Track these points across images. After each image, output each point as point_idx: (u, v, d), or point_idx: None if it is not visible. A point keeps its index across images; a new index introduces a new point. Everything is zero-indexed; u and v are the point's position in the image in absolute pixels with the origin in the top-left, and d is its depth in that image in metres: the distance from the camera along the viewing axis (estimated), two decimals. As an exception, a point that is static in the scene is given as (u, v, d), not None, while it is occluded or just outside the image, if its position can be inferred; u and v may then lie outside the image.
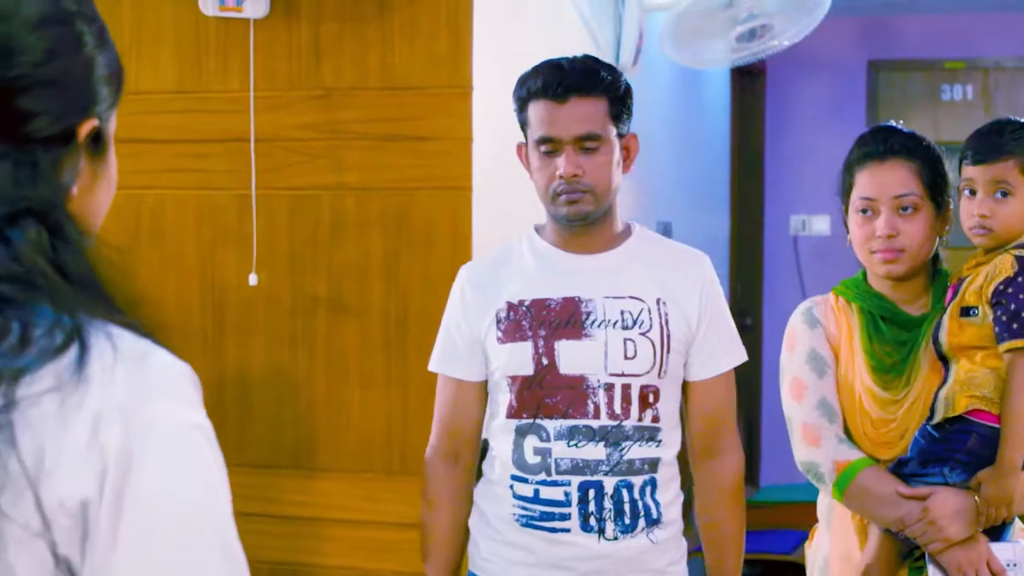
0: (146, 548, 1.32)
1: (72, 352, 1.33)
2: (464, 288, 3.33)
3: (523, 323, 3.21)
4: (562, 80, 3.16)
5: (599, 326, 3.18)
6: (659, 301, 3.22)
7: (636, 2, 5.59)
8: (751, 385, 8.63)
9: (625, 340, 3.18)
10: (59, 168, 1.43)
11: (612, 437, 3.17)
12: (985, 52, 9.15)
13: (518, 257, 3.32)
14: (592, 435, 3.16)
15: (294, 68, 4.32)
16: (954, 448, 3.12)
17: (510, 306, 3.24)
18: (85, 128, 1.46)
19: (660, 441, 3.22)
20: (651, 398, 3.20)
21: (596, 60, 3.25)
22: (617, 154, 3.21)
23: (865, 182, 3.28)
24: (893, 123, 3.41)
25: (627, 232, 3.33)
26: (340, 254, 4.29)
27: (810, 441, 3.26)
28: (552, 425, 3.18)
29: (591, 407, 3.17)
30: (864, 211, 3.28)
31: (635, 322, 3.19)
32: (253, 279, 4.30)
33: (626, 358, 3.17)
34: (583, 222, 3.21)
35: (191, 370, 1.45)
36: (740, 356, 3.34)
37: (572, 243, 3.28)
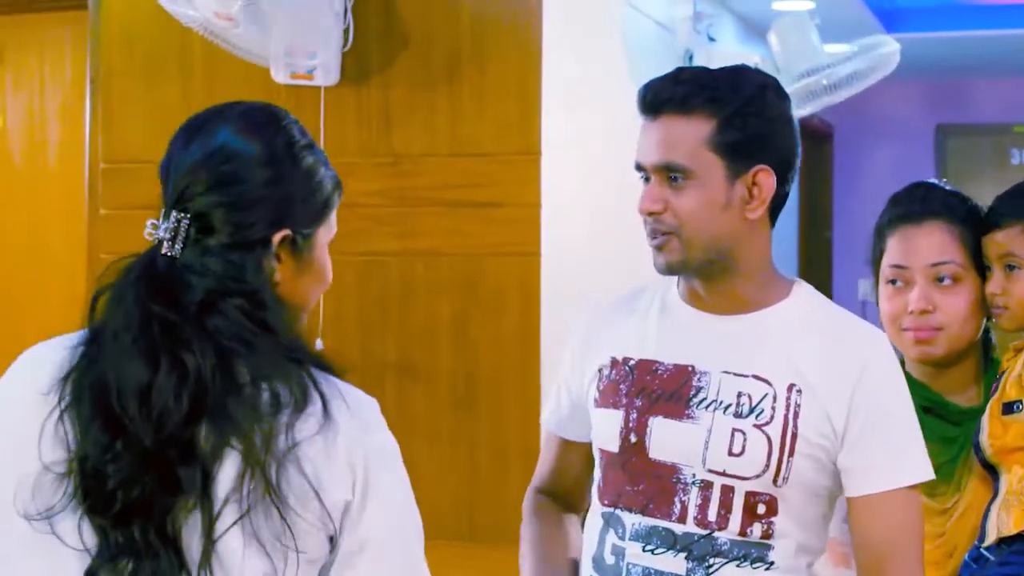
0: (381, 523, 1.99)
1: (318, 402, 1.92)
2: (578, 335, 2.73)
3: (621, 387, 2.56)
4: (658, 92, 2.50)
5: (707, 407, 2.48)
6: (791, 388, 2.46)
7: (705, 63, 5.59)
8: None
9: (733, 431, 2.45)
10: (259, 263, 1.97)
11: (697, 550, 2.46)
12: (1055, 116, 9.11)
13: (645, 305, 2.64)
14: (672, 542, 2.47)
15: (364, 135, 4.35)
16: (1014, 575, 2.57)
17: (613, 363, 2.59)
18: (278, 236, 1.99)
19: (772, 564, 2.46)
20: (761, 509, 2.45)
21: (735, 70, 2.54)
22: (721, 192, 2.46)
23: (896, 248, 2.80)
24: (934, 180, 2.95)
25: (783, 292, 2.57)
26: (409, 319, 4.30)
27: (838, 561, 2.71)
28: (630, 521, 2.52)
29: (677, 507, 2.48)
30: (894, 281, 2.79)
31: (751, 410, 2.46)
32: (319, 344, 4.31)
33: (731, 454, 2.45)
34: (677, 274, 2.54)
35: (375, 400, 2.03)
36: (916, 473, 2.48)
37: (702, 299, 2.56)
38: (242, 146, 2.01)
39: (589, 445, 2.66)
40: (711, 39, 5.92)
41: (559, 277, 4.26)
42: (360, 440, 1.97)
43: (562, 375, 2.75)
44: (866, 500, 2.45)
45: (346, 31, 4.29)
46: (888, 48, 5.30)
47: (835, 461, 2.45)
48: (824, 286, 9.13)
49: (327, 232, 2.08)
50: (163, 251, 1.94)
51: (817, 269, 9.10)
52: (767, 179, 2.47)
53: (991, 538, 2.59)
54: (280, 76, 4.25)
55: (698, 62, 5.55)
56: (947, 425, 2.76)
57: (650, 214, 2.47)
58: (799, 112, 5.64)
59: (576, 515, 2.78)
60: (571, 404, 2.70)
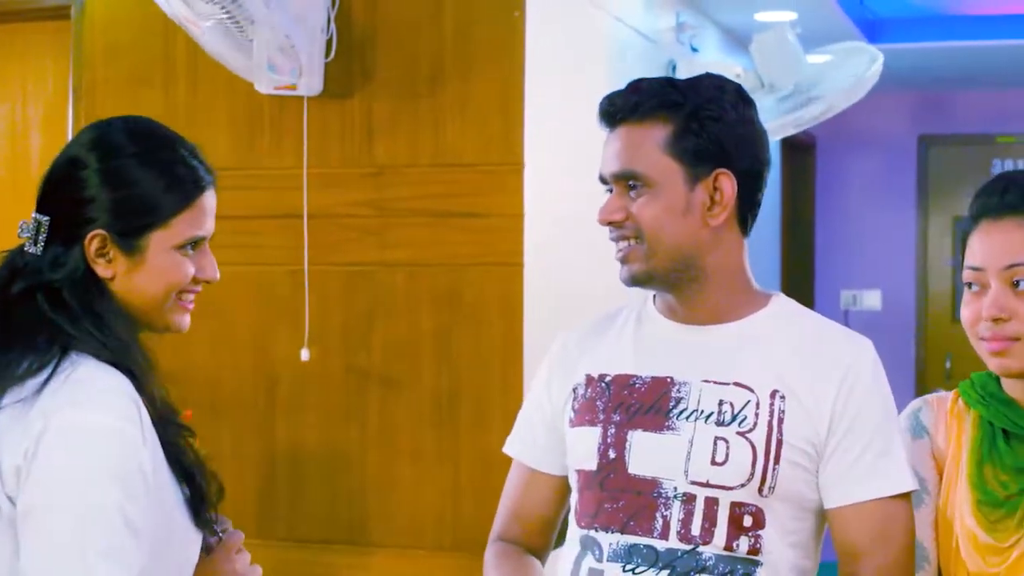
0: (40, 494, 2.02)
1: (42, 376, 2.07)
2: (552, 358, 2.64)
3: (597, 403, 2.46)
4: (615, 102, 2.48)
5: (687, 418, 2.38)
6: (775, 394, 2.36)
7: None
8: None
9: (716, 439, 2.35)
10: (65, 262, 2.17)
11: (681, 567, 2.34)
12: (1037, 127, 9.14)
13: (622, 323, 2.56)
14: (654, 560, 2.35)
15: (347, 145, 4.35)
16: None
17: (589, 380, 2.50)
18: (88, 237, 2.16)
19: None
20: (747, 521, 2.34)
21: (696, 77, 2.49)
22: (681, 198, 2.39)
23: (974, 246, 2.40)
24: (1019, 171, 2.51)
25: (760, 303, 2.49)
26: (392, 330, 4.30)
27: None
28: (607, 540, 2.39)
29: (659, 522, 2.36)
30: (970, 285, 2.40)
31: (734, 417, 2.36)
32: (305, 354, 4.31)
33: (714, 463, 2.34)
34: (643, 285, 2.46)
35: (119, 384, 2.10)
36: (897, 483, 2.37)
37: (677, 311, 2.49)
38: (76, 156, 2.20)
39: (565, 480, 2.56)
40: (694, 49, 5.93)
41: (542, 288, 4.26)
42: (48, 412, 2.05)
43: (531, 402, 2.65)
44: (844, 511, 2.37)
45: (329, 42, 4.29)
46: (870, 59, 5.32)
47: (818, 471, 2.37)
48: (806, 297, 9.15)
49: (172, 236, 2.21)
50: (26, 247, 2.20)
51: (799, 280, 9.11)
52: (728, 183, 2.40)
53: None
54: (263, 86, 4.25)
55: (681, 73, 5.56)
56: None
57: (610, 224, 2.44)
58: (784, 133, 5.66)
59: (539, 558, 2.64)
60: (546, 432, 2.59)
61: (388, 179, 4.31)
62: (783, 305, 2.51)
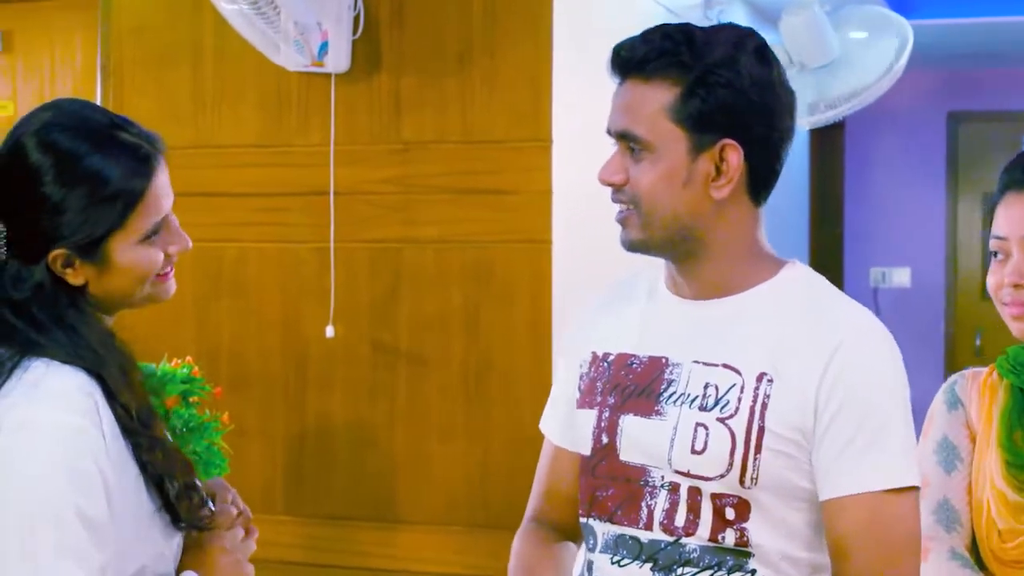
0: None
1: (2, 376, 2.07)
2: (570, 330, 2.54)
3: (597, 384, 2.34)
4: (624, 52, 2.26)
5: (675, 402, 2.23)
6: (761, 377, 2.17)
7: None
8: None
9: (696, 426, 2.19)
10: (31, 276, 2.14)
11: (664, 559, 2.21)
12: (1067, 102, 9.09)
13: (634, 294, 2.41)
14: (638, 552, 2.23)
15: (374, 122, 4.35)
16: None
17: (594, 359, 2.37)
18: (52, 256, 2.13)
19: (754, 573, 2.18)
20: (730, 513, 2.18)
21: (714, 28, 2.26)
22: (682, 167, 2.21)
23: (999, 217, 2.50)
24: None
25: (768, 273, 2.29)
26: (419, 306, 4.30)
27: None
28: (600, 531, 2.29)
29: (644, 512, 2.23)
30: (995, 254, 2.49)
31: (716, 402, 2.19)
32: (330, 331, 4.31)
33: (693, 451, 2.18)
34: (639, 251, 2.30)
35: (77, 382, 2.07)
36: (889, 476, 2.14)
37: (681, 284, 2.32)
38: (32, 164, 2.13)
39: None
40: (722, 26, 5.90)
41: (570, 264, 4.25)
42: (2, 410, 2.05)
43: (557, 375, 2.52)
44: (831, 505, 2.15)
45: (356, 18, 4.29)
46: (900, 43, 5.29)
47: (810, 459, 2.17)
48: (835, 274, 9.12)
49: (132, 233, 2.17)
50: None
51: (828, 258, 9.09)
52: (735, 155, 2.19)
53: None
54: (290, 65, 4.25)
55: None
56: None
57: (609, 184, 2.28)
58: (815, 122, 5.62)
59: (572, 535, 2.47)
60: (565, 407, 2.44)
61: (415, 156, 4.30)
62: (792, 274, 2.29)
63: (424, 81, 4.29)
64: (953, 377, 2.58)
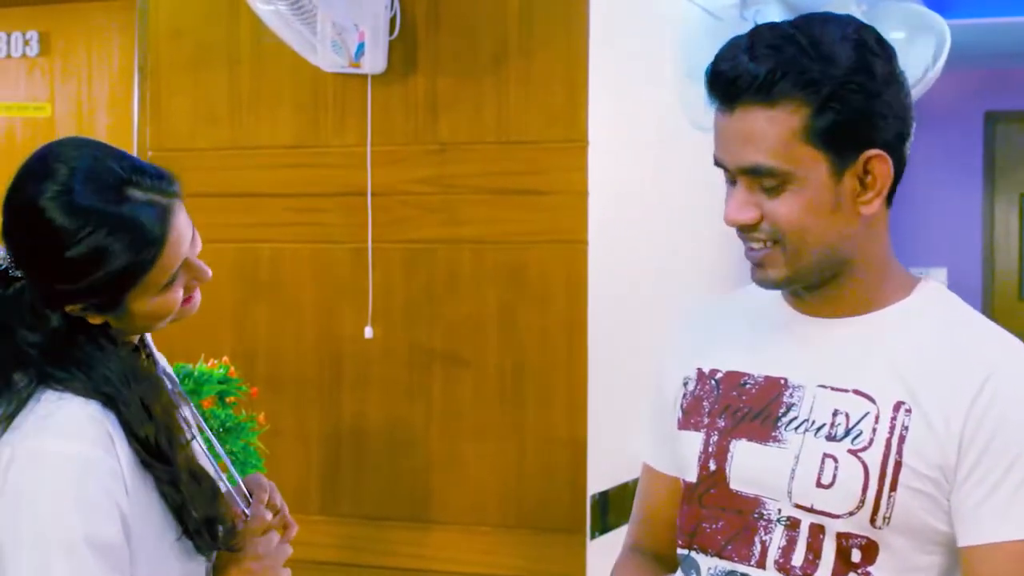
0: (9, 523, 2.00)
1: (12, 407, 2.07)
2: (668, 341, 2.35)
3: (704, 404, 2.16)
4: (732, 74, 1.99)
5: (797, 429, 2.04)
6: (899, 407, 1.98)
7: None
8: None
9: (824, 457, 2.00)
10: (47, 323, 2.14)
11: None
12: (1105, 102, 9.05)
13: (743, 306, 2.23)
14: None
15: (410, 123, 4.35)
16: None
17: (700, 376, 2.20)
18: (69, 309, 2.13)
19: None
20: (856, 555, 1.98)
21: (822, 32, 1.99)
22: (827, 191, 2.00)
23: None
24: None
25: (903, 292, 2.12)
26: (455, 307, 4.30)
27: None
28: (706, 565, 2.11)
29: (756, 548, 2.05)
30: None
31: (847, 432, 2.00)
32: (369, 332, 4.32)
33: (819, 485, 1.99)
34: (783, 289, 2.12)
35: (90, 412, 2.07)
36: None
37: (805, 300, 2.13)
38: (51, 221, 2.10)
39: (679, 480, 2.23)
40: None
41: (606, 266, 4.25)
42: (14, 442, 2.06)
43: (650, 392, 2.34)
44: (972, 552, 1.95)
45: (393, 19, 4.29)
46: (937, 44, 5.26)
47: (949, 499, 1.97)
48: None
49: (151, 286, 2.15)
50: (8, 268, 2.17)
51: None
52: (882, 166, 2.02)
53: None
54: (327, 66, 4.25)
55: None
56: None
57: (740, 225, 2.04)
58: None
59: (671, 564, 2.28)
60: (659, 425, 2.27)
61: (451, 156, 4.31)
62: (927, 295, 2.11)
63: (460, 82, 4.29)
64: None
